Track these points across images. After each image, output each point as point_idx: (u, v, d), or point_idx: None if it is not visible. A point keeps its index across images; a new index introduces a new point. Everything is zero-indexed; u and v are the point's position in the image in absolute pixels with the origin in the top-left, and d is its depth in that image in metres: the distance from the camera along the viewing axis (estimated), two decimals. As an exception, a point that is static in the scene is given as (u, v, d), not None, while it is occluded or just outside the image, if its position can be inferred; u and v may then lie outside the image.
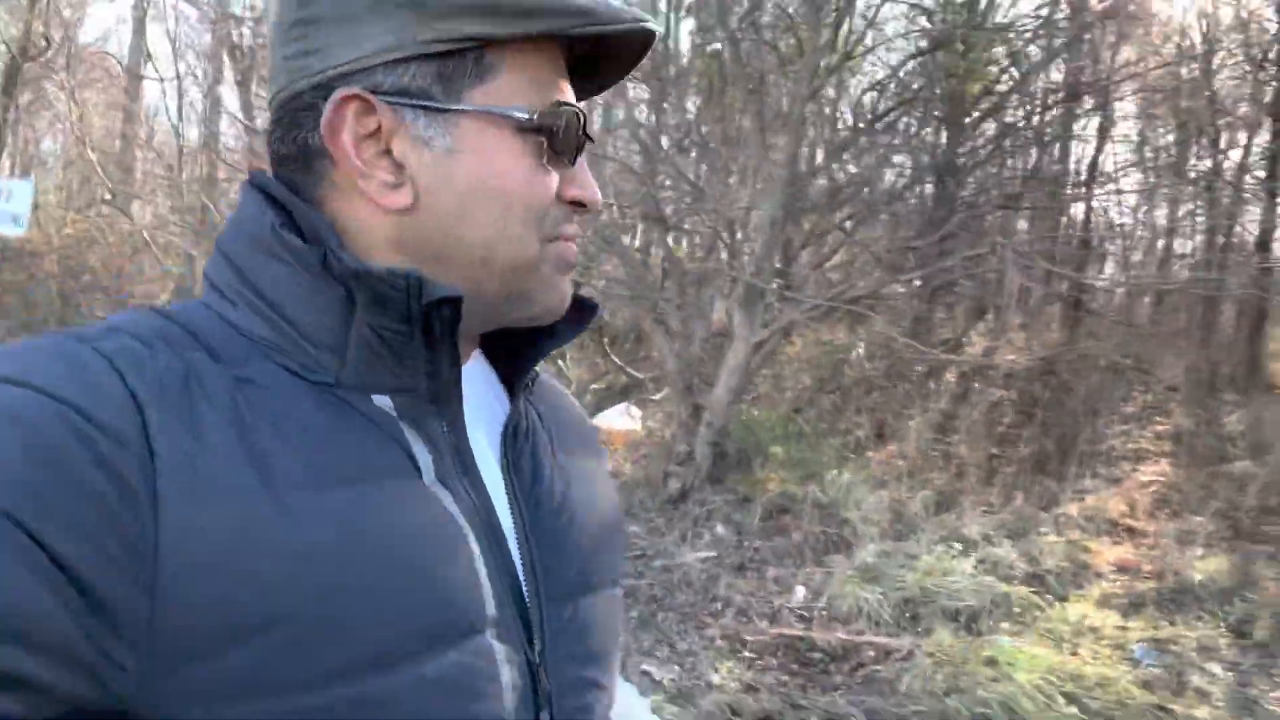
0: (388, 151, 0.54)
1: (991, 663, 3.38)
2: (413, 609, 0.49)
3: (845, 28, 6.56)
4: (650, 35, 0.58)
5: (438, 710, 0.49)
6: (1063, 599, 4.27)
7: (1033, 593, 4.22)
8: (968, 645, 3.55)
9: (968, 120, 8.24)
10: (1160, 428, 7.52)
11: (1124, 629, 3.93)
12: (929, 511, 5.26)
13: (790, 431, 6.66)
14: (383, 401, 0.54)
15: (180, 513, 0.44)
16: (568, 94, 0.58)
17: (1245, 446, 6.82)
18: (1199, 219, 9.47)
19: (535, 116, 0.55)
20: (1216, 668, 3.64)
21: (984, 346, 9.56)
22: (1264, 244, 8.32)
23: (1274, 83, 8.10)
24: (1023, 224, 9.48)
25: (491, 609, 0.53)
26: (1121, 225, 10.37)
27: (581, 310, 0.63)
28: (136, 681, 0.43)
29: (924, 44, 7.59)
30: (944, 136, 8.42)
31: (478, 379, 0.62)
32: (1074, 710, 3.16)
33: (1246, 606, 4.11)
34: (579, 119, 0.58)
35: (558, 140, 0.56)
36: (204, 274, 0.57)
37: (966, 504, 5.37)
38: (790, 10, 6.36)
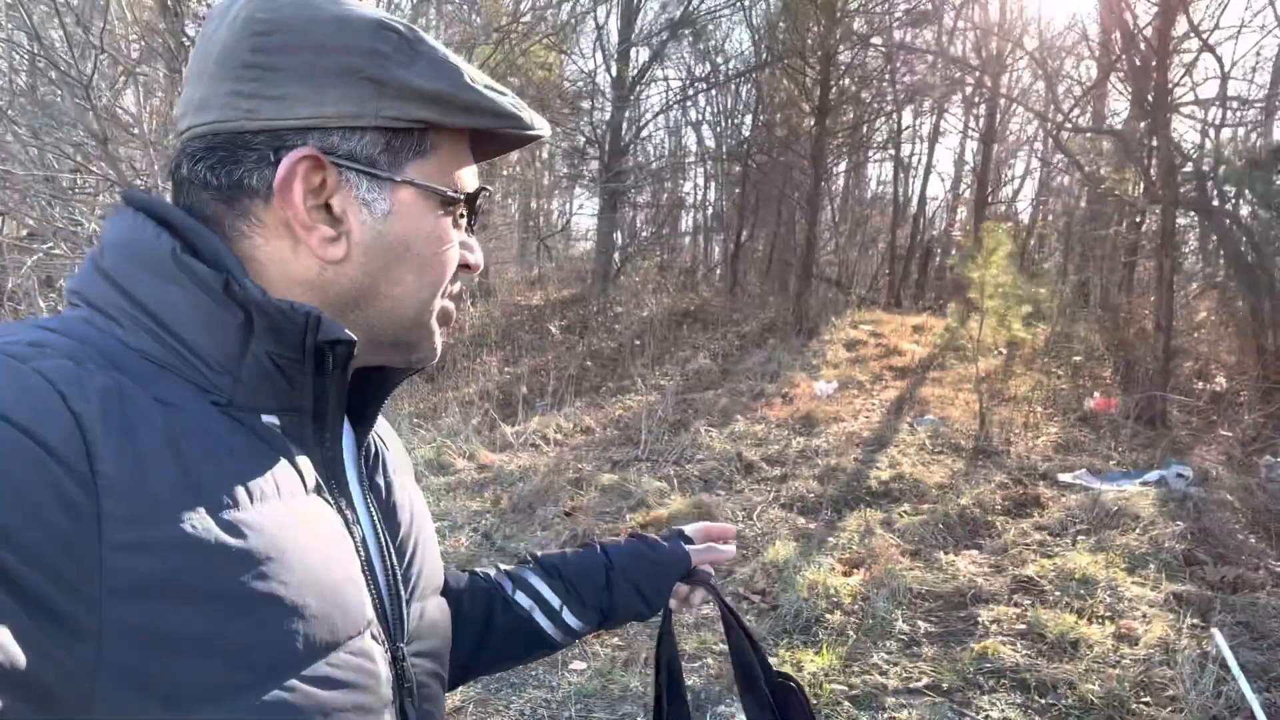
0: (326, 206, 0.59)
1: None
2: (321, 614, 0.54)
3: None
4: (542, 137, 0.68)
5: (336, 703, 0.55)
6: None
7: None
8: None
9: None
10: (694, 365, 9.41)
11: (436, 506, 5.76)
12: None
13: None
14: (270, 420, 0.57)
15: (125, 533, 0.46)
16: (475, 174, 0.67)
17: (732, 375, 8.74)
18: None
19: (462, 195, 0.64)
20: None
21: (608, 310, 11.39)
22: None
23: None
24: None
25: (370, 611, 0.60)
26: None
27: None
28: (77, 694, 0.45)
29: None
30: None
31: None
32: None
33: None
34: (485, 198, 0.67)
35: (469, 216, 0.66)
36: (73, 291, 0.58)
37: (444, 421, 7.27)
38: None
